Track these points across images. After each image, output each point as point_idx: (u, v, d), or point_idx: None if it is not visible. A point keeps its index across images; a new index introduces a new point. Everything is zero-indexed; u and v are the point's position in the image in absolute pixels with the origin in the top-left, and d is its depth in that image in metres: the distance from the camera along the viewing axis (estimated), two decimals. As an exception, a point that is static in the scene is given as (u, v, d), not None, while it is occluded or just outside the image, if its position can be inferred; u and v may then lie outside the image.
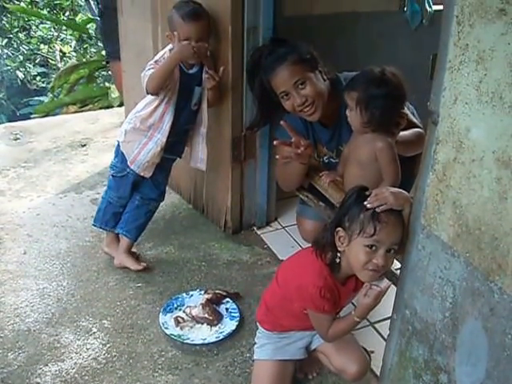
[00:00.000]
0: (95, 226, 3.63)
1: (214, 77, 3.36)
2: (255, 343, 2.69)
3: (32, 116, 7.54)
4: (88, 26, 8.95)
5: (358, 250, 2.15)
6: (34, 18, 11.77)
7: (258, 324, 2.69)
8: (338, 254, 2.28)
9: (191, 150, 3.61)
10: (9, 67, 12.53)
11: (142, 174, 3.40)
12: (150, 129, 3.32)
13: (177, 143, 3.51)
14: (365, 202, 2.13)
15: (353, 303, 3.04)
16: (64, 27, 11.87)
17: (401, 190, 2.22)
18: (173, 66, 3.14)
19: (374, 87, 2.55)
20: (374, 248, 2.13)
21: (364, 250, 2.13)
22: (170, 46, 3.25)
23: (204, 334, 3.00)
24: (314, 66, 2.93)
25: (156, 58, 3.23)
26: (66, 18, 10.76)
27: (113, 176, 3.51)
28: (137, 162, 3.35)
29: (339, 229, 2.22)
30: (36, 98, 9.45)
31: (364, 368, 2.54)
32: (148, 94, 3.25)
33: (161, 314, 3.11)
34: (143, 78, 3.20)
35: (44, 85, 12.18)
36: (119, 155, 3.44)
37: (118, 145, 3.43)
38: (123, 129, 3.41)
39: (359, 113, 2.57)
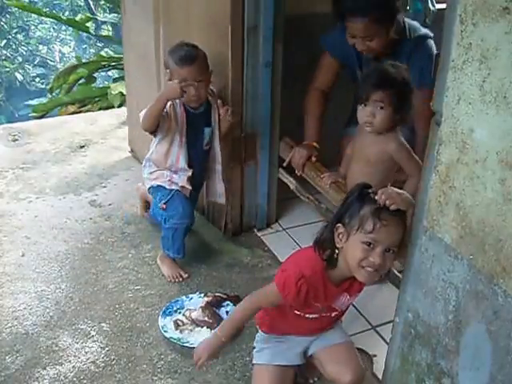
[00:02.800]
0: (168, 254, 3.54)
1: (227, 118, 3.40)
2: (254, 347, 2.66)
3: (30, 115, 7.52)
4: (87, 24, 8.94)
5: (355, 247, 2.14)
6: (32, 19, 11.77)
7: (257, 326, 2.66)
8: (337, 251, 2.25)
9: (207, 186, 3.64)
10: (7, 69, 12.53)
11: (182, 184, 3.39)
12: (172, 167, 3.38)
13: (197, 183, 3.57)
14: (376, 197, 2.12)
15: (355, 307, 3.05)
16: (63, 27, 11.89)
17: (404, 192, 2.20)
18: (160, 105, 3.14)
19: (402, 88, 2.69)
20: (371, 246, 2.11)
21: (361, 247, 2.12)
22: None
23: (204, 337, 2.89)
24: (389, 24, 3.13)
25: None
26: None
27: (165, 204, 3.41)
28: (174, 180, 3.39)
29: (339, 225, 2.20)
30: (35, 100, 9.42)
31: (358, 378, 2.47)
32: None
33: (160, 317, 3.08)
34: (140, 118, 3.26)
35: (43, 86, 12.21)
36: (154, 192, 3.47)
37: (149, 189, 3.50)
38: (144, 176, 3.51)
39: (390, 113, 2.66)
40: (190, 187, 3.40)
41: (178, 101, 3.26)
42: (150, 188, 3.49)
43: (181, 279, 3.42)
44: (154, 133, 3.30)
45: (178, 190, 3.37)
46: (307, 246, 2.46)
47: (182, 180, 3.37)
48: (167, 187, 3.38)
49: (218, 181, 3.57)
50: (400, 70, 2.73)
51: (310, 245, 2.43)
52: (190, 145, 3.36)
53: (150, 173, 3.46)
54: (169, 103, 3.21)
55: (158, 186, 3.42)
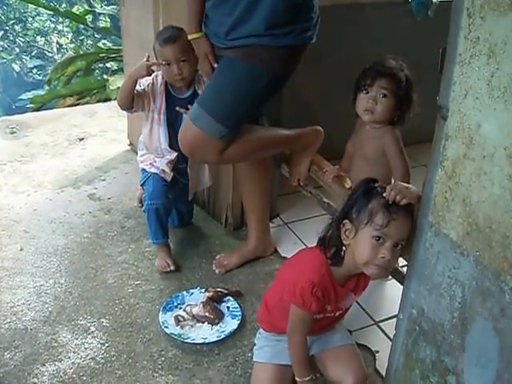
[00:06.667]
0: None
1: None
2: (255, 344, 2.65)
3: (28, 106, 7.50)
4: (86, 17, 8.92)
5: (364, 242, 2.13)
6: (30, 10, 11.73)
7: (258, 324, 2.65)
8: (343, 248, 2.24)
9: (192, 178, 3.60)
10: (4, 60, 12.51)
11: (162, 168, 3.40)
12: (158, 149, 3.43)
13: (185, 171, 3.55)
14: (384, 194, 2.11)
15: (357, 302, 3.03)
16: (61, 19, 11.86)
17: (411, 186, 2.20)
18: (129, 83, 3.25)
19: (406, 82, 2.69)
20: (381, 240, 2.10)
21: (370, 242, 2.11)
22: (160, 72, 3.35)
23: (205, 333, 2.95)
24: None
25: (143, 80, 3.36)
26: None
27: (141, 186, 3.51)
28: (156, 164, 3.42)
29: (346, 221, 2.19)
30: (33, 92, 9.39)
31: (360, 381, 2.44)
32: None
33: (160, 312, 3.05)
34: None
35: (41, 77, 12.21)
36: (141, 174, 3.52)
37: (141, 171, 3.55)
38: (137, 158, 3.60)
39: (392, 103, 2.67)
40: (169, 171, 3.41)
41: (160, 80, 3.35)
42: (140, 170, 3.54)
43: (168, 269, 3.39)
44: (129, 109, 3.36)
45: (155, 174, 3.40)
46: (303, 248, 2.45)
47: (162, 164, 3.40)
48: (147, 170, 3.43)
49: (203, 167, 3.62)
50: (404, 67, 2.71)
51: (305, 248, 2.41)
52: (169, 125, 3.38)
53: (141, 155, 3.53)
54: (147, 82, 3.32)
55: (142, 168, 3.47)
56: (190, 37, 2.97)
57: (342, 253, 2.25)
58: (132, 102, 3.28)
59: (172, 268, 3.39)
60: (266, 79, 2.76)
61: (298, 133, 3.14)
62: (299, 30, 2.72)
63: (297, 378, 2.39)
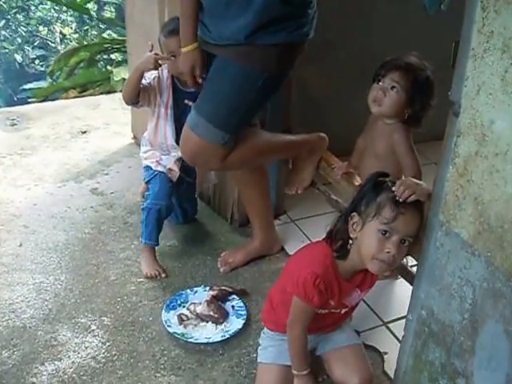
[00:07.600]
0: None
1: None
2: (260, 345, 2.61)
3: (30, 100, 7.46)
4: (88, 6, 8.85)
5: (370, 235, 2.11)
6: (33, -1, 11.71)
7: (263, 323, 2.62)
8: (350, 242, 2.23)
9: (199, 174, 3.55)
10: (6, 50, 12.47)
11: (169, 167, 3.37)
12: (163, 145, 3.42)
13: (191, 169, 3.49)
14: (393, 188, 2.10)
15: (366, 302, 2.99)
16: (64, 8, 11.81)
17: (422, 183, 2.18)
18: (135, 76, 3.24)
19: (424, 83, 2.63)
20: (387, 234, 2.08)
21: (376, 236, 2.10)
22: (165, 66, 3.33)
23: (209, 332, 2.91)
24: None
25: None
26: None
27: (146, 184, 3.51)
28: (162, 162, 3.40)
29: (354, 214, 2.18)
30: (35, 83, 9.36)
31: (366, 381, 2.42)
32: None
33: (163, 311, 3.02)
34: None
35: (43, 68, 12.18)
36: (144, 172, 3.50)
37: (143, 168, 3.52)
38: (140, 154, 3.59)
39: (402, 99, 2.62)
40: (177, 170, 3.38)
41: (166, 74, 3.35)
42: (143, 167, 3.52)
43: (159, 278, 3.32)
44: (135, 104, 3.36)
45: (162, 172, 3.37)
46: (309, 242, 2.40)
47: (169, 162, 3.37)
48: (153, 168, 3.40)
49: None
50: (427, 68, 2.66)
51: (309, 242, 2.36)
52: (176, 120, 3.35)
53: (144, 152, 3.51)
54: (152, 76, 3.31)
55: (147, 165, 3.45)
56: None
57: (349, 246, 2.24)
58: (138, 96, 3.26)
59: (163, 275, 3.34)
60: (262, 79, 2.68)
61: (303, 138, 3.10)
62: (294, 26, 2.64)
63: (293, 371, 2.37)
